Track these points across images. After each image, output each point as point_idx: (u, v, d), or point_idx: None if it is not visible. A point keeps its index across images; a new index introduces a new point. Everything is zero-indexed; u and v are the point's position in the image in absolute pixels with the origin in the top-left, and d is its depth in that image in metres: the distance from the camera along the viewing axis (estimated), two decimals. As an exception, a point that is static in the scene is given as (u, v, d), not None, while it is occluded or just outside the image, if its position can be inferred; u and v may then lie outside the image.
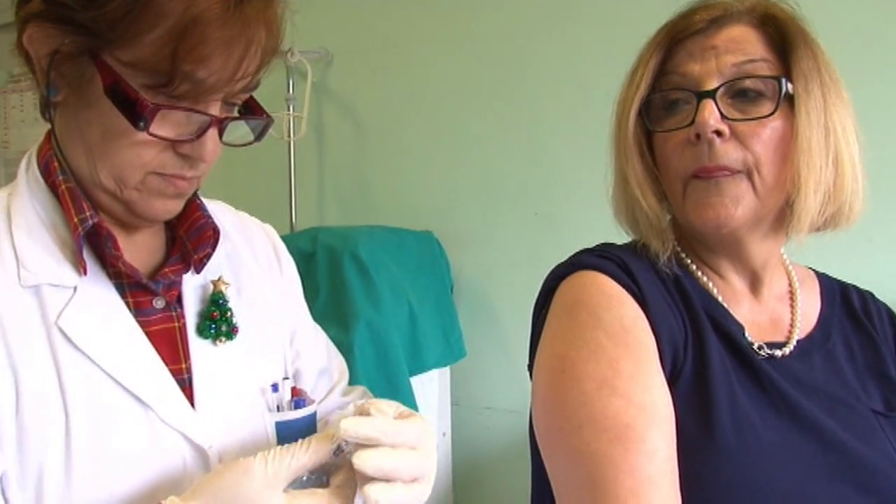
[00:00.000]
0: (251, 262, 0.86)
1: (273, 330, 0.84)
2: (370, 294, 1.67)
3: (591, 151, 1.72)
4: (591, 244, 0.81)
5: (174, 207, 0.73)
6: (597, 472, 0.62)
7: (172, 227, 0.81)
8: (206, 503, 0.61)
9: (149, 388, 0.71)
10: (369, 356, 1.61)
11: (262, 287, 0.85)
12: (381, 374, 1.60)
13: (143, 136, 0.66)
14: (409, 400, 1.66)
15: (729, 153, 0.72)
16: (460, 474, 1.96)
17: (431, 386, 1.84)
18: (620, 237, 0.82)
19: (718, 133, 0.72)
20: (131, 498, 0.66)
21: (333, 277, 1.67)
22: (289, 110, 2.00)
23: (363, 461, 0.62)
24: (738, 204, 0.72)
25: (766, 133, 0.72)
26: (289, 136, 2.01)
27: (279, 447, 0.65)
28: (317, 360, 0.90)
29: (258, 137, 0.74)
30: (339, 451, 0.65)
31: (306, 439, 0.65)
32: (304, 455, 0.64)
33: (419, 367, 1.74)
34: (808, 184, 0.72)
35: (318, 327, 0.95)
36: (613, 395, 0.65)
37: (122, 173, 0.68)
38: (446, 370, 1.92)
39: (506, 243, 1.91)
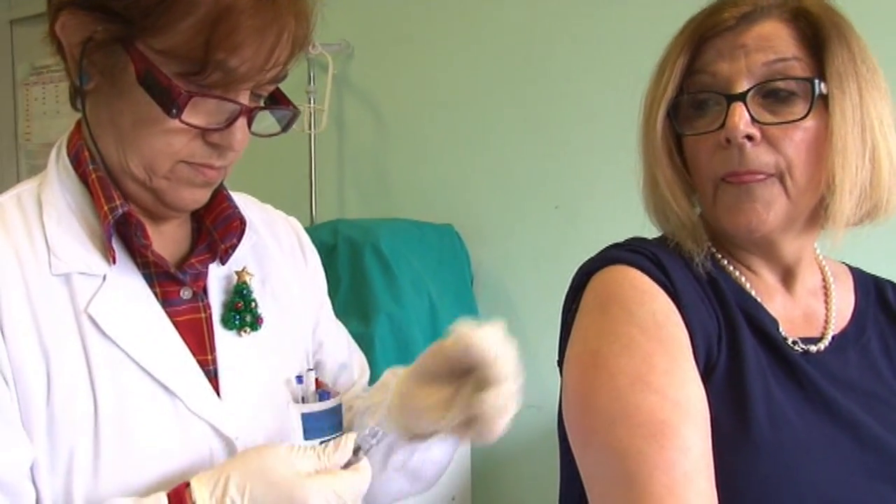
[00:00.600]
0: (276, 253, 0.86)
1: (297, 321, 0.84)
2: (391, 287, 1.68)
3: (612, 144, 1.77)
4: (611, 238, 0.80)
5: (202, 197, 0.73)
6: (631, 468, 0.61)
7: (199, 218, 0.81)
8: (233, 470, 0.62)
9: (177, 378, 0.71)
10: (390, 349, 1.61)
11: (287, 279, 0.85)
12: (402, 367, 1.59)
13: (174, 124, 0.66)
14: (429, 393, 1.64)
15: (760, 157, 0.71)
16: (479, 470, 1.95)
17: (451, 380, 1.82)
18: (642, 231, 0.81)
19: (749, 137, 0.71)
20: (158, 486, 0.66)
21: (354, 270, 1.68)
22: (310, 103, 2.00)
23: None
24: (770, 208, 0.72)
25: (799, 135, 0.71)
26: (309, 128, 2.01)
27: (306, 446, 0.67)
28: (338, 353, 0.90)
29: (284, 128, 0.74)
30: (357, 450, 0.67)
31: (332, 443, 0.66)
32: (329, 456, 0.66)
33: (439, 361, 1.72)
34: (844, 185, 0.71)
35: (339, 323, 0.95)
36: (647, 391, 0.64)
37: (152, 162, 0.68)
38: (466, 364, 1.90)
39: (526, 237, 1.90)
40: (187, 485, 0.63)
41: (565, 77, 1.83)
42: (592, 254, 0.78)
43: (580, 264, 0.76)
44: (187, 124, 0.66)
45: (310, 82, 2.04)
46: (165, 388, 0.70)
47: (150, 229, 0.75)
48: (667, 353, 0.66)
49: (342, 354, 0.91)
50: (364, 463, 0.67)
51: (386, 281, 1.67)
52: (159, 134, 0.67)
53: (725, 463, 0.64)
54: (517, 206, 1.91)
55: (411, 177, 2.05)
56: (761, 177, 0.71)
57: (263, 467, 0.62)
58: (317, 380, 0.82)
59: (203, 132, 0.68)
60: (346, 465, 0.67)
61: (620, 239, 0.78)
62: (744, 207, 0.72)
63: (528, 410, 1.93)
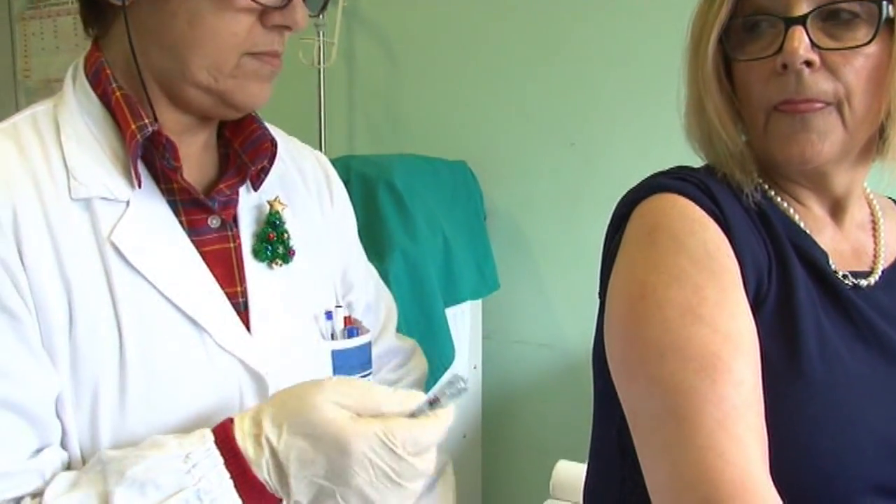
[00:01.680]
0: (301, 187, 0.84)
1: (325, 257, 0.83)
2: (405, 224, 1.64)
3: (630, 81, 1.73)
4: (628, 176, 0.78)
5: (267, 93, 0.72)
6: (682, 402, 0.60)
7: (226, 143, 0.78)
8: (271, 407, 0.60)
9: (204, 311, 0.68)
10: (405, 287, 1.59)
11: (313, 213, 0.83)
12: (416, 305, 1.57)
13: (232, 8, 0.65)
14: (443, 331, 1.64)
15: (819, 84, 0.68)
16: (490, 408, 1.95)
17: (463, 318, 1.82)
18: (661, 168, 0.78)
19: (808, 63, 0.68)
20: (187, 423, 0.64)
21: (368, 206, 1.63)
22: (319, 36, 1.89)
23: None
24: (826, 139, 0.69)
25: (860, 61, 0.68)
26: (319, 63, 1.91)
27: (362, 383, 0.64)
28: (365, 295, 0.89)
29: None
30: (434, 402, 0.63)
31: (399, 393, 0.62)
32: (389, 403, 0.61)
33: (453, 299, 1.72)
34: None
35: (370, 265, 0.94)
36: (698, 323, 0.63)
37: (216, 60, 0.67)
38: (478, 303, 1.89)
39: (540, 174, 1.86)
40: (231, 421, 0.61)
41: (583, 11, 1.79)
42: (608, 192, 0.76)
43: (596, 202, 0.77)
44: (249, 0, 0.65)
45: (319, 15, 1.97)
46: (193, 321, 0.67)
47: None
48: (718, 284, 0.65)
49: (370, 296, 0.90)
50: (443, 412, 0.62)
51: (400, 218, 1.64)
52: (220, 24, 0.65)
53: (775, 398, 0.63)
54: (532, 144, 1.88)
55: (423, 112, 2.01)
56: (819, 105, 0.69)
57: (304, 405, 0.59)
58: (346, 317, 0.81)
59: (262, 15, 0.67)
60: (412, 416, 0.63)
61: (637, 178, 0.76)
62: (798, 138, 0.69)
63: (540, 349, 1.95)
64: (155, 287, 0.66)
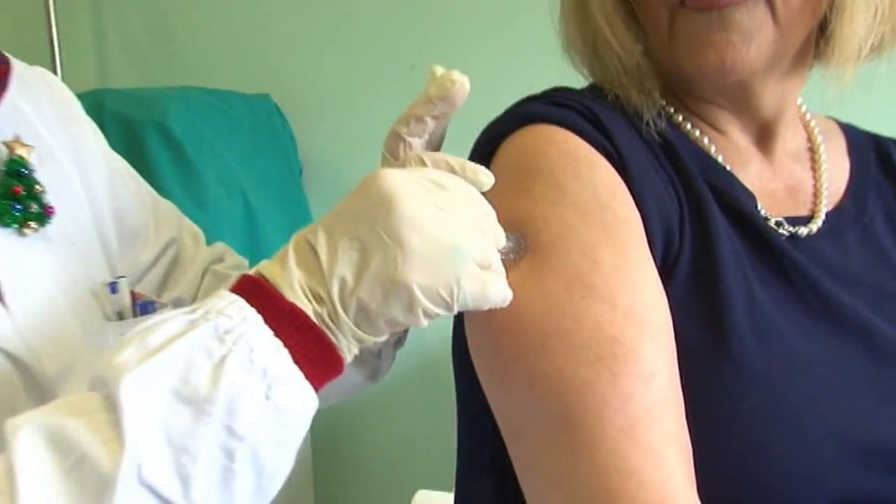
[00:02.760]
0: (37, 120, 0.82)
1: (87, 213, 0.83)
2: (188, 183, 1.60)
3: None
4: (490, 105, 0.77)
5: None
6: (574, 407, 0.59)
7: None
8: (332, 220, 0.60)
9: None
10: (192, 270, 1.53)
11: (63, 154, 0.83)
12: (211, 294, 1.52)
13: None
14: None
15: None
16: (320, 424, 1.88)
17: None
18: (533, 91, 0.78)
19: None
20: None
21: (132, 161, 1.50)
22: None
23: None
24: (752, 41, 0.69)
25: None
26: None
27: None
28: (157, 242, 0.92)
29: None
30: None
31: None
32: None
33: (261, 277, 1.67)
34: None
35: (162, 201, 0.97)
36: (590, 296, 0.62)
37: None
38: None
39: (373, 108, 1.81)
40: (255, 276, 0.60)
41: None
42: (464, 128, 0.75)
43: (448, 142, 0.72)
44: None
45: None
46: None
47: None
48: (615, 243, 0.64)
49: (170, 231, 0.93)
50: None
51: (180, 175, 1.58)
52: None
53: (697, 391, 0.63)
54: (360, 68, 1.86)
55: (207, 28, 1.96)
56: None
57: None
58: (133, 291, 0.83)
59: None
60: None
61: (501, 106, 0.75)
62: (714, 40, 0.69)
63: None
64: None
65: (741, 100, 0.76)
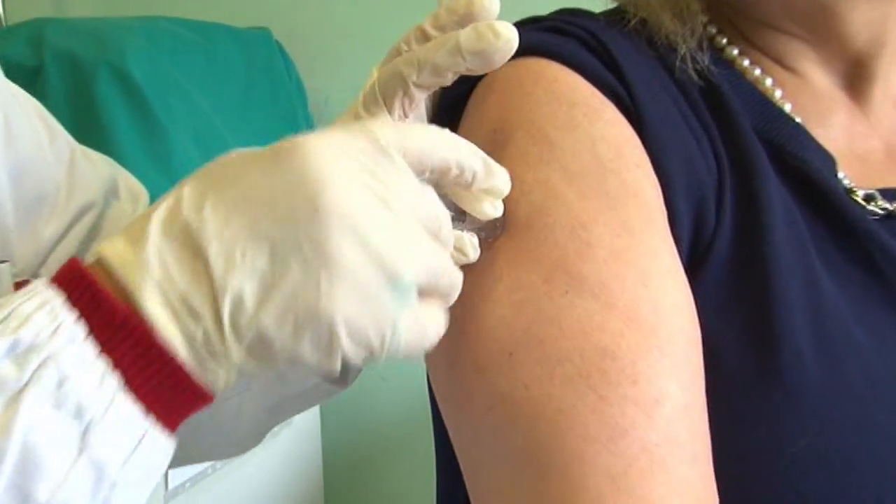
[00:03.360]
0: None
1: None
2: (151, 144, 1.52)
3: None
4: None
5: None
6: (546, 438, 0.58)
7: None
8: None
9: None
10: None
11: None
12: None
13: None
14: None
15: None
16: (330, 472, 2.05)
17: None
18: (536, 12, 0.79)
19: None
20: None
21: (78, 113, 1.50)
22: None
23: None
24: None
25: None
26: None
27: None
28: (81, 196, 0.86)
29: None
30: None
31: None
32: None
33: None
34: None
35: (70, 140, 0.89)
36: (578, 292, 0.60)
37: None
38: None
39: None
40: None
41: None
42: None
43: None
44: None
45: None
46: None
47: None
48: (617, 219, 0.63)
49: (89, 192, 0.88)
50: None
51: (140, 134, 1.51)
52: None
53: (731, 426, 0.62)
54: None
55: None
56: None
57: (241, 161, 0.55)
58: (19, 281, 0.79)
59: None
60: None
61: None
62: None
63: (372, 383, 1.89)
64: None
65: (823, 24, 0.75)
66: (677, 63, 0.72)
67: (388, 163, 0.54)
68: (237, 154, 0.54)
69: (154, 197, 1.55)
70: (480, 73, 0.63)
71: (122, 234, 0.53)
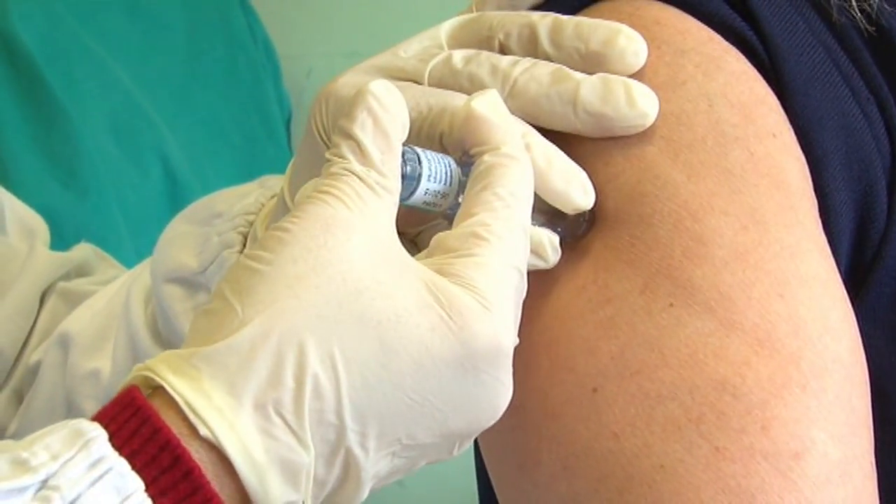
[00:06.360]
0: None
1: None
2: (48, 137, 1.42)
3: None
4: None
5: None
6: None
7: None
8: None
9: None
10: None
11: None
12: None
13: None
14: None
15: None
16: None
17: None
18: None
19: None
20: None
21: None
22: None
23: None
24: None
25: None
26: None
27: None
28: None
29: None
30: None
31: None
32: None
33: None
34: None
35: None
36: (686, 305, 0.55)
37: None
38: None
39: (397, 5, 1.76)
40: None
41: None
42: None
43: None
44: None
45: None
46: None
47: None
48: (743, 206, 0.58)
49: None
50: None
51: (28, 119, 1.41)
52: None
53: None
54: None
55: None
56: None
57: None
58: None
59: None
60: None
61: None
62: None
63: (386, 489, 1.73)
64: None
65: None
66: (833, 2, 0.66)
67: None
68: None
69: (59, 215, 1.30)
70: (587, 136, 0.60)
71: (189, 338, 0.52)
